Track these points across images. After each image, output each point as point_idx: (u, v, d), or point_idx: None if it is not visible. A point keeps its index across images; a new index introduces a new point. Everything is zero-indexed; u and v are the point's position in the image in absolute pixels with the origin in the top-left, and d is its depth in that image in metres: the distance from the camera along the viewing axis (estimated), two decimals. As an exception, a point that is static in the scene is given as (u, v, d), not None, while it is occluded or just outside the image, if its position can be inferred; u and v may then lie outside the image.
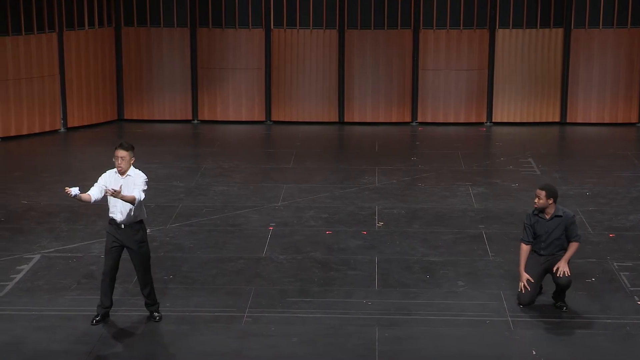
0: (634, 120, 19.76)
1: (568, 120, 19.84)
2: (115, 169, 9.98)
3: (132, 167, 9.99)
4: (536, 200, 10.44)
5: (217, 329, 10.03)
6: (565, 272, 10.25)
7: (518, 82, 19.79)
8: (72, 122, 19.23)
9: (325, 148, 18.16)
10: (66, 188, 9.68)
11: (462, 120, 19.84)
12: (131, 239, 9.98)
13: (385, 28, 19.62)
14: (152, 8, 19.65)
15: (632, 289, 11.11)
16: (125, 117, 20.05)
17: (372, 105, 19.88)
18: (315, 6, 19.59)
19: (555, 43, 19.63)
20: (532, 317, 10.33)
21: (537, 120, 19.85)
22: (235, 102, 19.97)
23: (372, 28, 19.63)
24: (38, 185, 15.30)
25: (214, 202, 14.51)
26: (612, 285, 11.23)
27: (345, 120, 19.93)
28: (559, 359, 9.46)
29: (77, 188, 9.75)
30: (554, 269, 10.30)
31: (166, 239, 12.77)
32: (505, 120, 19.87)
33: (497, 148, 18.17)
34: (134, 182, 9.91)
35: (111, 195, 9.71)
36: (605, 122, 19.78)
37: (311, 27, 19.70)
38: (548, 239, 10.44)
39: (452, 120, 19.85)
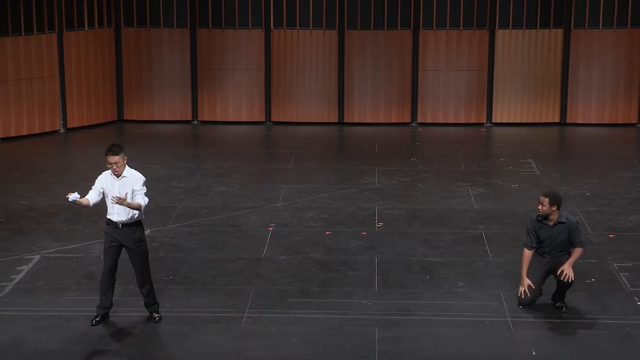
0: (633, 120, 19.77)
1: (568, 121, 19.84)
2: (110, 171, 9.97)
3: (126, 167, 9.99)
4: (539, 207, 10.43)
5: (217, 329, 10.03)
6: (570, 277, 10.25)
7: (518, 83, 19.79)
8: (72, 122, 19.23)
9: (325, 148, 18.16)
10: (68, 194, 9.72)
11: (462, 121, 19.84)
12: (129, 239, 9.99)
13: (385, 28, 19.62)
14: (152, 8, 19.65)
15: (631, 289, 11.12)
16: (125, 118, 20.05)
17: (372, 106, 19.88)
18: (315, 7, 19.59)
19: (555, 43, 19.63)
20: (532, 318, 10.33)
21: (537, 121, 19.85)
22: (235, 102, 19.97)
23: (372, 28, 19.63)
24: (38, 186, 15.30)
25: (214, 202, 14.51)
26: (612, 286, 11.23)
27: (345, 120, 19.93)
28: (559, 360, 9.48)
29: (77, 193, 9.76)
30: (559, 271, 10.30)
31: (166, 240, 12.77)
32: (505, 121, 19.87)
33: (497, 148, 18.17)
34: (132, 184, 9.90)
35: (117, 203, 9.74)
36: (605, 122, 19.78)
37: (311, 28, 19.70)
38: (552, 244, 10.45)
39: (451, 121, 19.85)
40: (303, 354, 9.53)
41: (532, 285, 10.40)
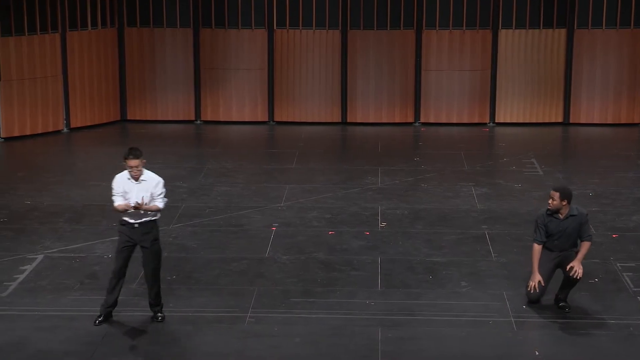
0: (637, 120, 19.75)
1: (571, 121, 19.83)
2: (126, 174, 9.97)
3: (144, 169, 10.00)
4: (550, 202, 10.40)
5: (220, 329, 10.03)
6: (579, 274, 10.23)
7: (521, 83, 19.78)
8: (75, 122, 19.24)
9: (328, 148, 18.16)
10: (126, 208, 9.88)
11: (465, 121, 19.83)
12: (145, 237, 10.00)
13: (388, 28, 19.62)
14: (155, 8, 19.66)
15: (635, 289, 11.11)
16: (128, 118, 20.06)
17: (375, 106, 19.88)
18: (318, 6, 19.59)
19: (558, 43, 19.62)
20: (535, 318, 10.33)
21: (540, 121, 19.84)
22: (238, 102, 19.97)
23: (375, 28, 19.63)
24: (41, 186, 15.30)
25: (217, 202, 14.51)
26: (615, 286, 11.22)
27: (348, 120, 19.93)
28: (562, 360, 9.48)
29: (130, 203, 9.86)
30: (568, 267, 10.28)
31: (169, 240, 12.77)
32: (508, 121, 19.86)
33: (500, 148, 18.16)
34: (151, 188, 9.91)
35: (134, 209, 9.77)
36: (608, 122, 19.77)
37: (314, 28, 19.70)
38: (562, 237, 10.41)
39: (455, 121, 19.85)
40: (306, 353, 9.53)
41: (542, 281, 10.39)
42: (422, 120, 19.91)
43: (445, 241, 12.77)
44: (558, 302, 10.53)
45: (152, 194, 9.92)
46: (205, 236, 12.97)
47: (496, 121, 19.89)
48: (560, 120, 19.87)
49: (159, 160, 16.80)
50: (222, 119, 19.99)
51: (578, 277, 10.25)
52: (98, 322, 10.06)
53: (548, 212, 10.46)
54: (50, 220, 13.59)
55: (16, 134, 18.43)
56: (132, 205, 9.82)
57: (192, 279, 11.42)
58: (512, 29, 19.58)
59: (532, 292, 10.45)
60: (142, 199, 9.79)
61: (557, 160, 17.26)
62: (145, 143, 17.99)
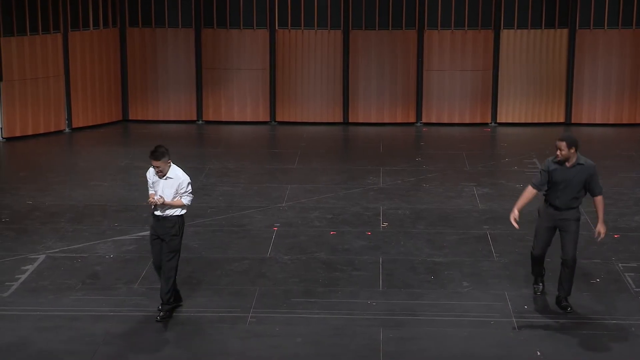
0: (639, 120, 19.73)
1: (573, 121, 19.82)
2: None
3: (171, 167, 10.18)
4: (558, 152, 10.07)
5: (221, 329, 10.03)
6: (602, 234, 10.25)
7: (523, 83, 19.78)
8: (77, 122, 19.25)
9: (329, 148, 18.16)
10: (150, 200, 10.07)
11: (466, 121, 19.83)
12: (166, 230, 10.12)
13: (390, 28, 19.62)
14: (156, 9, 19.66)
15: (637, 289, 11.10)
16: (130, 118, 20.06)
17: (377, 106, 19.88)
18: (320, 7, 19.59)
19: (560, 43, 19.61)
20: (536, 318, 10.33)
21: (542, 121, 19.84)
22: (240, 102, 19.98)
23: (377, 28, 19.63)
24: (43, 186, 15.31)
25: (218, 202, 14.51)
26: (617, 286, 11.21)
27: (350, 120, 19.93)
28: (564, 360, 9.47)
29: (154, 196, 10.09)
30: (596, 234, 10.25)
31: (171, 240, 12.76)
32: (510, 121, 19.86)
33: (502, 149, 18.16)
34: (176, 185, 10.08)
35: (155, 204, 9.99)
36: (611, 122, 19.76)
37: (316, 28, 19.70)
38: (567, 187, 10.11)
39: (456, 121, 19.84)
40: (307, 354, 9.53)
41: (517, 218, 10.15)
42: (424, 120, 19.90)
43: (446, 241, 12.76)
44: (560, 303, 10.52)
45: (177, 191, 10.12)
46: (207, 236, 12.97)
47: (498, 121, 19.88)
48: (562, 120, 19.87)
49: (161, 160, 16.80)
50: (223, 119, 19.99)
51: (602, 236, 10.26)
52: (160, 319, 10.14)
53: (554, 160, 10.16)
54: (51, 220, 13.60)
55: (18, 134, 18.44)
56: (150, 200, 10.07)
57: (193, 278, 11.42)
58: (514, 29, 19.58)
59: (515, 225, 10.21)
60: (159, 197, 10.00)
61: (559, 161, 17.23)
62: (147, 143, 17.93)
